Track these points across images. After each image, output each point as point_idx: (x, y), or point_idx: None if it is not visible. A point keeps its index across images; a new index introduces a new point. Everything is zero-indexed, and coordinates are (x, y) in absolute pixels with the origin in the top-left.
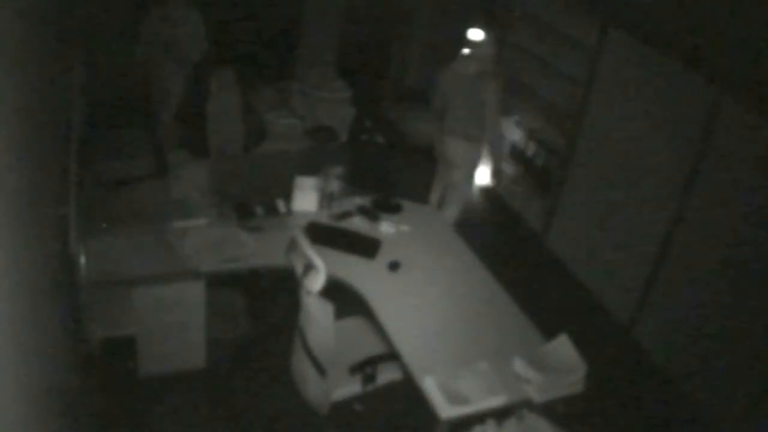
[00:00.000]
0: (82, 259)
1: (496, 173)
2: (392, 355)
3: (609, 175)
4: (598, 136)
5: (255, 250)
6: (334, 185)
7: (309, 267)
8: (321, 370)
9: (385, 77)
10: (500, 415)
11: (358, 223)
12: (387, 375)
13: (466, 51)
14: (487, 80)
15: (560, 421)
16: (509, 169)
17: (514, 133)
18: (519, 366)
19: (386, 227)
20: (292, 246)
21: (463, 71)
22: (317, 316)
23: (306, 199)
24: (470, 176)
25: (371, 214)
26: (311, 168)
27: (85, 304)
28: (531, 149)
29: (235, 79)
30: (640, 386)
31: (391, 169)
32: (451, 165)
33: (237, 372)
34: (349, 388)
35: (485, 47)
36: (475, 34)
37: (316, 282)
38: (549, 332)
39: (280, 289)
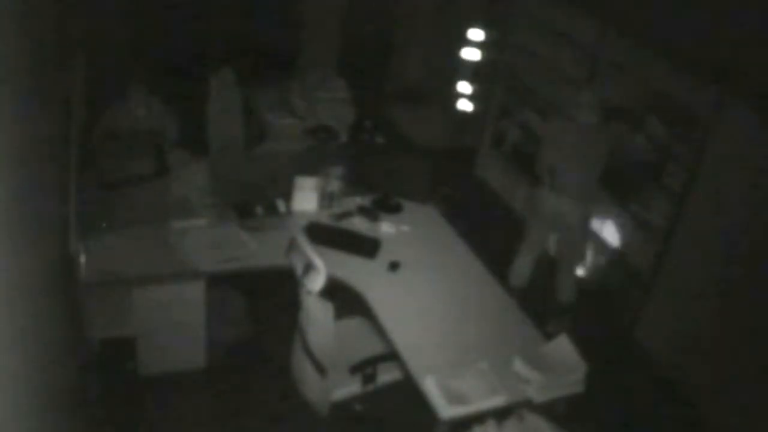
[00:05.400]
0: (82, 259)
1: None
2: (392, 355)
3: (609, 174)
4: None
5: (255, 250)
6: (334, 185)
7: (309, 267)
8: (321, 370)
9: (385, 77)
10: (500, 415)
11: (358, 223)
12: (387, 375)
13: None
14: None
15: (560, 421)
16: None
17: (514, 133)
18: (519, 366)
19: (386, 227)
20: (292, 246)
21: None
22: (317, 316)
23: (306, 199)
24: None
25: (371, 214)
26: (311, 168)
27: (85, 304)
28: (531, 149)
29: (235, 79)
30: (640, 387)
31: (391, 169)
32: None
33: (237, 372)
34: (349, 388)
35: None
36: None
37: (316, 282)
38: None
39: (280, 289)
